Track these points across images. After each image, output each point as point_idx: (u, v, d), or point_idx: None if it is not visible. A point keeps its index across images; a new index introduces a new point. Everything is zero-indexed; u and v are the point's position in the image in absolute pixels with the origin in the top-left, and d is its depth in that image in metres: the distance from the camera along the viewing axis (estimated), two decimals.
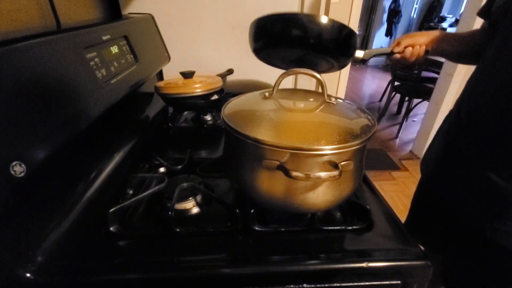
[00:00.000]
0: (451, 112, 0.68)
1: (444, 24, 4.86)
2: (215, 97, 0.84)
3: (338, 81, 1.59)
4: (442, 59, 2.42)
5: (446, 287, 0.73)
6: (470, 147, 0.56)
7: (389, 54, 0.75)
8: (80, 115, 0.48)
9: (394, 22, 4.52)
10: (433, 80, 2.40)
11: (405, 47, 0.70)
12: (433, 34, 0.71)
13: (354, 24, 1.23)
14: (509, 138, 0.49)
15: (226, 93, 0.90)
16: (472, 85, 0.59)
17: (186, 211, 0.52)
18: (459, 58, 0.73)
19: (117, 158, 0.58)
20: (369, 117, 0.48)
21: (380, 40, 4.90)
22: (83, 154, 0.53)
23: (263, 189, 0.45)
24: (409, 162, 2.30)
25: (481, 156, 0.54)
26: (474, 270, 0.64)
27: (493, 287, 0.62)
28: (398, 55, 0.71)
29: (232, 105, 0.51)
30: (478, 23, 0.72)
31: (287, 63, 0.70)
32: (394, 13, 4.52)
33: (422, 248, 0.45)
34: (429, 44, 0.70)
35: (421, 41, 0.70)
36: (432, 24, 5.00)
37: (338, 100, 0.52)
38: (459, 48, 0.69)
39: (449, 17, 4.92)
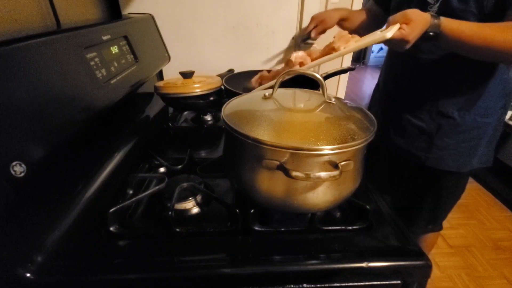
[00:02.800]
0: (378, 85, 0.94)
1: None
2: (214, 97, 0.84)
3: (338, 81, 1.59)
4: None
5: None
6: (400, 106, 0.80)
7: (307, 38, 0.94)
8: (80, 115, 0.48)
9: None
10: None
11: (316, 26, 0.91)
12: (345, 8, 0.94)
13: None
14: (421, 94, 0.75)
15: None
16: (390, 67, 0.85)
17: (186, 211, 0.52)
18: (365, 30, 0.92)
19: (117, 158, 0.58)
20: (369, 117, 0.48)
21: None
22: (83, 154, 0.53)
23: (263, 189, 0.45)
24: None
25: (408, 110, 0.78)
26: (418, 199, 0.86)
27: (436, 208, 0.86)
28: (313, 35, 0.92)
29: (232, 105, 0.51)
30: None
31: None
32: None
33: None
34: (343, 14, 0.90)
35: (330, 14, 0.90)
36: None
37: (338, 100, 0.52)
38: (363, 18, 0.91)
39: None
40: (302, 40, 0.98)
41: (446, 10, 0.63)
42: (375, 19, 0.91)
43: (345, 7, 1.05)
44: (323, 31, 0.94)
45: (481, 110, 0.71)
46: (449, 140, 0.74)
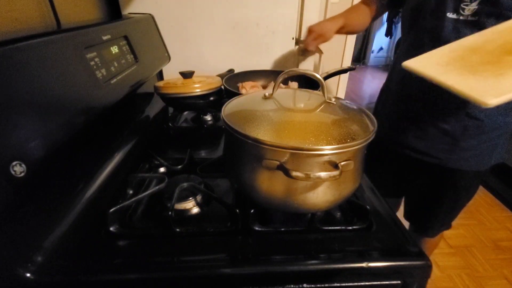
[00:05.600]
0: (387, 87, 0.88)
1: None
2: (214, 97, 0.84)
3: (338, 81, 1.60)
4: None
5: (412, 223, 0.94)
6: (422, 108, 0.74)
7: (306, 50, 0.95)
8: (80, 115, 0.48)
9: (394, 22, 4.51)
10: None
11: (315, 39, 0.91)
12: (337, 15, 0.92)
13: None
14: (448, 97, 0.64)
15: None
16: (398, 69, 0.79)
17: (186, 211, 0.52)
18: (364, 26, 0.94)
19: (117, 158, 0.58)
20: (369, 117, 0.48)
21: (380, 40, 4.90)
22: (83, 154, 0.53)
23: (263, 189, 0.45)
24: None
25: (431, 112, 0.73)
26: (435, 202, 0.85)
27: (453, 209, 0.86)
28: (313, 48, 0.93)
29: (232, 105, 0.51)
30: None
31: None
32: (394, 13, 4.52)
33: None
34: (340, 24, 0.89)
35: (328, 27, 0.89)
36: None
37: (338, 100, 0.52)
38: (362, 17, 0.90)
39: None
40: (302, 53, 0.98)
41: (490, 7, 0.58)
42: (378, 12, 0.89)
43: (344, 7, 1.05)
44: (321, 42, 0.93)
45: (502, 110, 0.69)
46: (473, 141, 0.72)
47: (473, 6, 0.60)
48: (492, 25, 0.58)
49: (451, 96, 0.66)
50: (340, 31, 0.91)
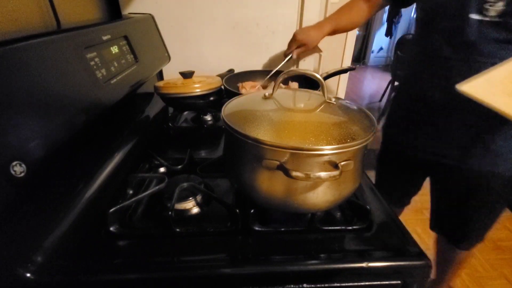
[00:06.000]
0: (401, 91, 0.85)
1: None
2: (214, 97, 0.84)
3: (338, 81, 1.59)
4: None
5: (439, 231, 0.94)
6: (451, 114, 0.70)
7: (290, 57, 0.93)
8: (80, 115, 0.48)
9: (394, 22, 4.51)
10: None
11: (298, 47, 0.89)
12: (326, 20, 0.89)
13: None
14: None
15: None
16: (429, 72, 0.71)
17: (186, 211, 0.52)
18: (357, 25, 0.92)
19: (117, 158, 0.58)
20: (369, 117, 0.48)
21: (380, 40, 4.90)
22: (83, 154, 0.53)
23: (263, 189, 0.45)
24: None
25: (461, 119, 0.68)
26: (467, 205, 0.80)
27: (490, 215, 0.84)
28: (294, 56, 0.91)
29: (232, 105, 0.51)
30: None
31: None
32: (394, 13, 4.52)
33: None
34: (328, 31, 0.87)
35: (313, 37, 0.87)
36: None
37: (338, 100, 0.52)
38: (356, 16, 0.87)
39: None
40: (285, 56, 0.97)
41: None
42: (380, 6, 0.86)
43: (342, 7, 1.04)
44: (305, 52, 0.92)
45: None
46: (504, 144, 0.68)
47: (499, 6, 0.56)
48: None
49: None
50: (330, 34, 0.89)
